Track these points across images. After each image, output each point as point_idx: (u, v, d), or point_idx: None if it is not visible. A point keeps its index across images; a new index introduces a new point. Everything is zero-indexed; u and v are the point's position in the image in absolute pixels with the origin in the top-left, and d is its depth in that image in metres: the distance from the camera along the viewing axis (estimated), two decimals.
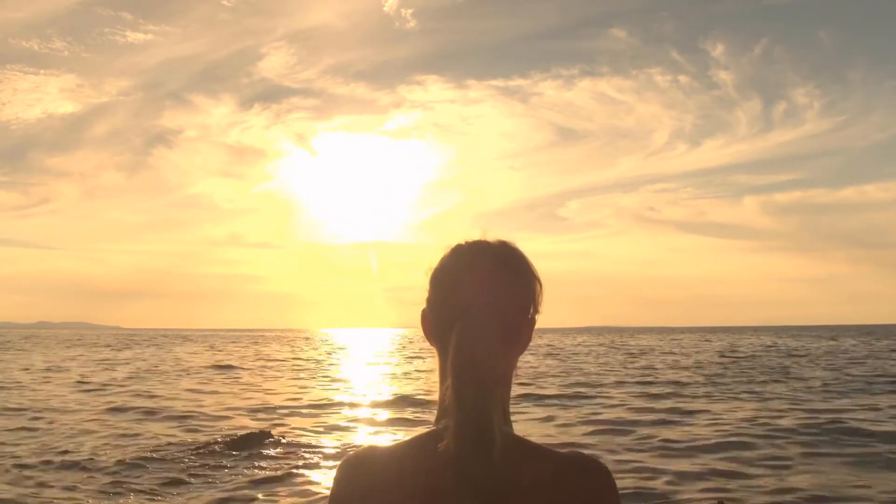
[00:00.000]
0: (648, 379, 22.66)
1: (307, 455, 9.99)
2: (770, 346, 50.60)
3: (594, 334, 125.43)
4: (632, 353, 41.98)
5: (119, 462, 9.31)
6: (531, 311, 1.12)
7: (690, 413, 14.00)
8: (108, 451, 10.08)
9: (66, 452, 9.98)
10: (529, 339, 1.13)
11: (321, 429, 12.28)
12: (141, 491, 7.91)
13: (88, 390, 18.96)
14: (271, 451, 10.12)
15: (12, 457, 9.64)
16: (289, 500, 7.75)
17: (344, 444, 10.83)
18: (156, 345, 59.82)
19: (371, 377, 24.98)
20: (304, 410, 14.88)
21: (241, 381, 22.76)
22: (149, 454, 9.84)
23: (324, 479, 8.57)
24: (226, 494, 7.84)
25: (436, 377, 1.12)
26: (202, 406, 15.41)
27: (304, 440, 11.06)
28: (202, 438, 11.07)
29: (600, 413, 14.23)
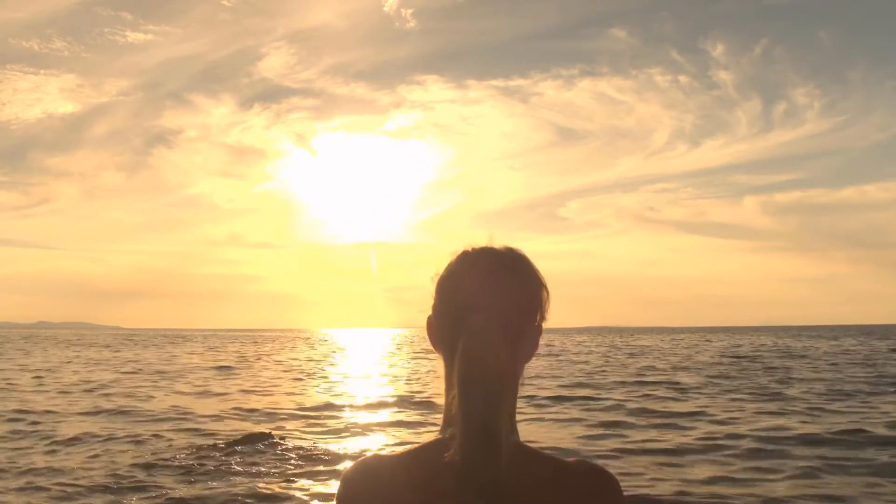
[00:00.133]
0: (649, 379, 22.63)
1: (308, 457, 9.97)
2: (771, 347, 50.59)
3: (594, 334, 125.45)
4: (632, 354, 41.97)
5: (119, 464, 9.30)
6: (538, 318, 1.11)
7: (693, 415, 13.94)
8: (107, 453, 10.06)
9: (64, 454, 9.96)
10: (536, 347, 1.12)
11: (322, 431, 12.25)
12: (141, 492, 7.89)
13: (87, 391, 18.92)
14: (272, 453, 10.09)
15: (10, 462, 9.62)
16: (290, 503, 7.73)
17: (345, 447, 10.81)
18: (155, 345, 59.82)
19: (371, 378, 24.97)
20: (304, 412, 14.84)
21: (240, 381, 22.74)
22: (148, 456, 9.82)
23: (325, 481, 8.55)
24: (226, 496, 7.82)
25: (440, 382, 1.11)
26: (201, 407, 15.38)
27: (304, 442, 11.03)
28: (201, 440, 11.04)
29: (600, 414, 14.18)
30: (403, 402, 16.38)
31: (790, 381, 21.38)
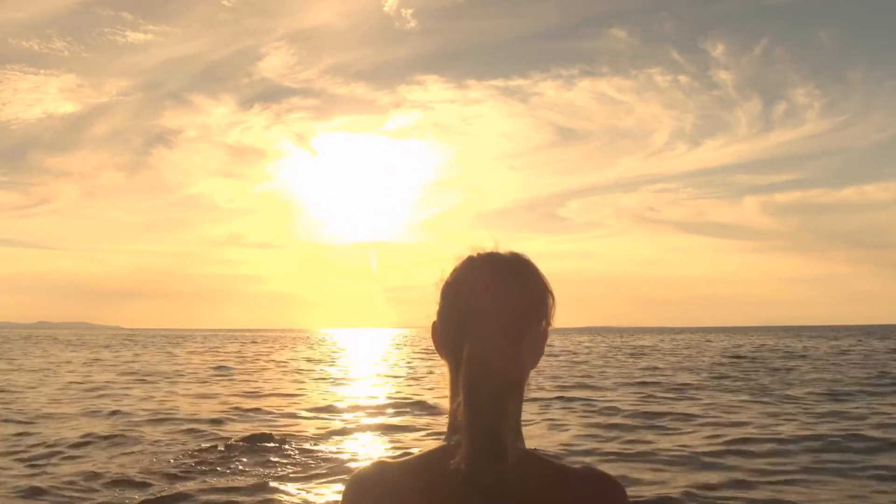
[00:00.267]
0: (651, 380, 22.63)
1: (309, 459, 9.95)
2: (771, 347, 50.58)
3: (594, 334, 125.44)
4: (632, 354, 41.97)
5: (117, 466, 9.29)
6: (543, 323, 1.11)
7: (695, 417, 13.90)
8: (105, 455, 10.05)
9: (62, 457, 9.95)
10: (542, 353, 1.11)
11: (322, 432, 12.21)
12: (141, 493, 7.88)
13: (85, 392, 18.91)
14: (272, 455, 10.07)
15: (8, 465, 9.61)
16: None
17: (346, 449, 10.79)
18: (155, 345, 59.81)
19: (372, 379, 24.96)
20: (304, 413, 14.82)
21: (240, 382, 22.73)
22: (146, 458, 9.81)
23: (326, 484, 8.54)
24: (226, 498, 7.82)
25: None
26: (201, 408, 15.37)
27: (305, 444, 11.00)
28: (201, 441, 11.01)
29: (602, 417, 14.12)
30: (404, 404, 16.35)
31: (792, 382, 21.38)
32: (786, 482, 8.51)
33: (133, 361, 34.33)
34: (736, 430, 11.98)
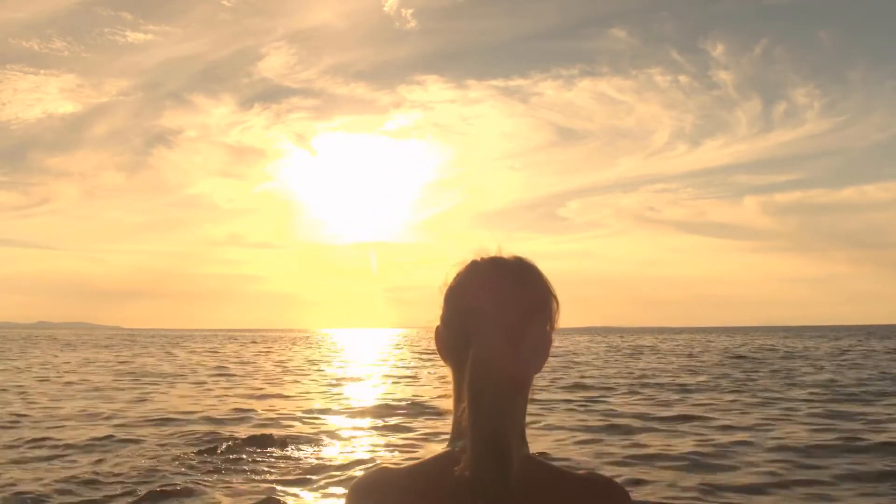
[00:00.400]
0: (651, 381, 22.62)
1: (309, 461, 9.95)
2: (772, 347, 50.58)
3: (594, 334, 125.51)
4: (633, 354, 41.98)
5: (114, 468, 9.27)
6: (548, 328, 1.10)
7: (697, 419, 13.87)
8: (102, 457, 10.04)
9: (58, 459, 9.94)
10: (546, 357, 1.11)
11: (323, 434, 12.17)
12: (139, 495, 7.87)
13: (83, 393, 18.90)
14: (272, 457, 10.06)
15: (6, 469, 9.60)
16: None
17: (347, 452, 10.77)
18: (155, 345, 59.81)
19: (372, 380, 24.96)
20: (304, 414, 14.79)
21: (240, 383, 22.72)
22: (145, 460, 9.79)
23: (327, 486, 8.51)
24: (228, 500, 7.81)
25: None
26: (200, 409, 15.35)
27: (305, 446, 10.99)
28: (200, 443, 10.97)
29: (603, 418, 14.04)
30: (404, 405, 16.32)
31: (793, 384, 21.37)
32: (791, 484, 8.47)
33: (132, 362, 34.31)
34: (738, 433, 11.92)
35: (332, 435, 11.99)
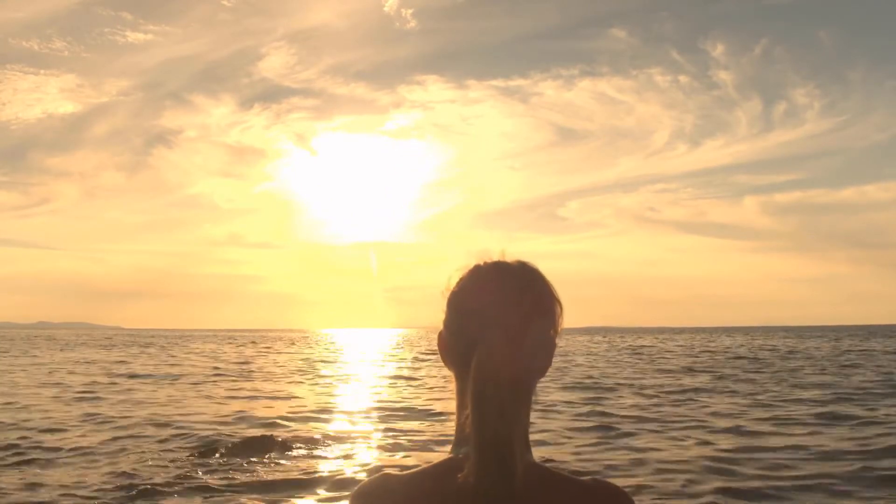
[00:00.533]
0: (652, 381, 22.61)
1: (310, 464, 9.92)
2: (773, 348, 50.58)
3: (594, 334, 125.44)
4: (633, 354, 41.97)
5: (115, 470, 9.25)
6: (551, 333, 1.09)
7: (698, 419, 13.84)
8: (104, 459, 10.02)
9: (60, 461, 9.92)
10: (550, 363, 1.10)
11: (323, 436, 12.09)
12: (138, 497, 7.86)
13: (82, 394, 18.87)
14: (271, 459, 10.02)
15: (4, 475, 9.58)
16: None
17: (348, 454, 10.74)
18: (155, 346, 59.78)
19: (372, 381, 24.94)
20: (305, 416, 14.75)
21: (239, 383, 22.70)
22: (143, 462, 9.77)
23: (328, 489, 8.50)
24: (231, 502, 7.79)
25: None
26: (200, 410, 15.34)
27: (306, 448, 10.93)
28: (200, 445, 10.94)
29: (605, 421, 13.97)
30: (404, 407, 16.30)
31: (795, 385, 21.36)
32: (798, 489, 8.38)
33: (132, 362, 34.30)
34: (747, 440, 11.77)
35: (332, 437, 11.92)
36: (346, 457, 10.36)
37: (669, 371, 27.60)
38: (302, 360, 39.31)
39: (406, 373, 28.36)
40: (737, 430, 12.39)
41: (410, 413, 15.09)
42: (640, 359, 37.50)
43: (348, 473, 9.15)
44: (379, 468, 8.69)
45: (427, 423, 13.50)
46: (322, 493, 8.23)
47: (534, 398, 1.10)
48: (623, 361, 35.07)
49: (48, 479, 8.70)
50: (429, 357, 39.43)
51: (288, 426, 13.10)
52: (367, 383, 23.61)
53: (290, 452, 10.44)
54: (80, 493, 8.05)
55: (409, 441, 11.61)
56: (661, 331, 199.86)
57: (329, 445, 11.17)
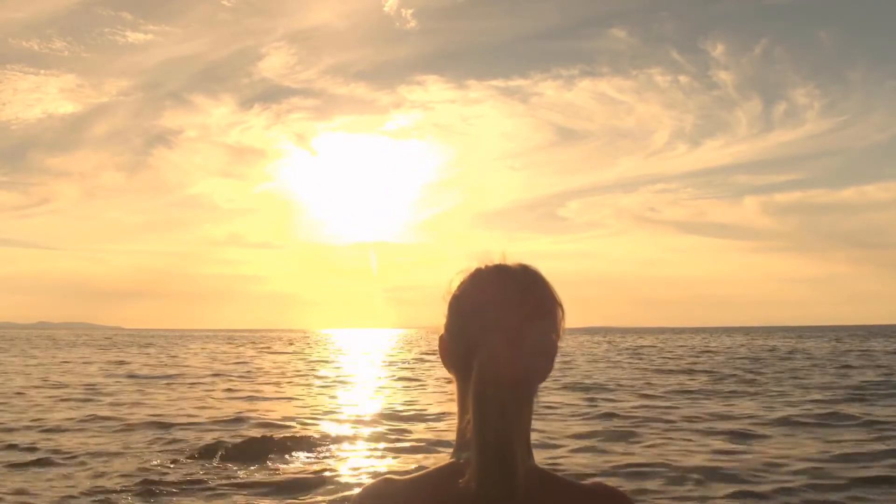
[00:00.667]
0: (652, 382, 22.59)
1: (310, 465, 9.91)
2: (773, 348, 50.57)
3: (594, 334, 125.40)
4: (634, 355, 41.96)
5: (112, 471, 9.24)
6: (553, 336, 1.09)
7: (700, 420, 13.82)
8: (101, 460, 10.01)
9: (59, 462, 9.91)
10: (552, 366, 1.09)
11: (323, 438, 12.06)
12: (137, 499, 7.85)
13: (82, 395, 18.86)
14: (273, 461, 10.00)
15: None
16: None
17: (348, 456, 10.73)
18: (155, 346, 59.75)
19: (372, 382, 24.93)
20: (304, 418, 14.73)
21: (238, 384, 22.69)
22: (141, 463, 9.76)
23: (330, 492, 8.48)
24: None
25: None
26: (199, 411, 15.33)
27: (305, 449, 10.92)
28: (199, 446, 10.92)
29: (606, 423, 13.93)
30: (405, 409, 16.28)
31: (796, 385, 21.35)
32: (797, 490, 8.37)
33: (132, 363, 34.28)
34: (743, 436, 11.79)
35: (332, 439, 11.88)
36: (346, 458, 10.35)
37: (670, 371, 27.59)
38: (301, 360, 39.30)
39: (407, 374, 28.34)
40: (739, 432, 12.37)
41: (411, 414, 15.07)
42: (640, 359, 37.48)
43: (348, 475, 9.13)
44: (380, 471, 8.69)
45: (427, 425, 13.47)
46: (322, 495, 8.21)
47: (535, 401, 1.09)
48: (623, 362, 35.05)
49: (48, 480, 8.69)
50: (429, 357, 39.42)
51: (288, 427, 13.08)
52: (367, 384, 23.60)
53: (290, 454, 10.42)
54: (80, 493, 8.04)
55: (410, 443, 11.59)
56: (662, 331, 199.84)
57: (329, 447, 11.15)
